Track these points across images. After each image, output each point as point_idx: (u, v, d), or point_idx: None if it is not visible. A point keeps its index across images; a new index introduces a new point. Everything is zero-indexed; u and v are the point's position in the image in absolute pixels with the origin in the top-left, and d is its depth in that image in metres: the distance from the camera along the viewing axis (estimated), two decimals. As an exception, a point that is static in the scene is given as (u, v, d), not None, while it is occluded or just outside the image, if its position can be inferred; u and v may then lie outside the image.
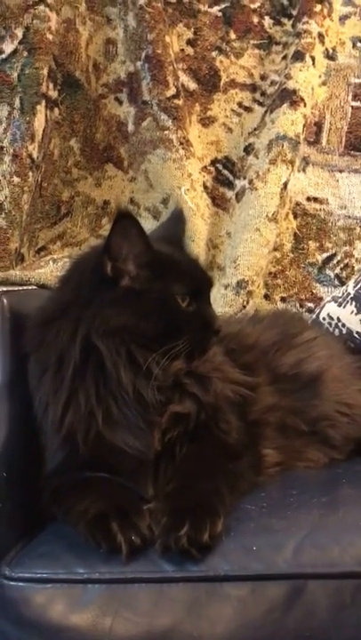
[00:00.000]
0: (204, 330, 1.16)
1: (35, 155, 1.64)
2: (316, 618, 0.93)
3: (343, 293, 1.67)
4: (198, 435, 1.15)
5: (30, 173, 1.63)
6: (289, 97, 1.80)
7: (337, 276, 1.82)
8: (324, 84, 1.87)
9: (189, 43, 1.86)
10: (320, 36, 1.86)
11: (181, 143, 1.77)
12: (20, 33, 1.64)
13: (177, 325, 1.13)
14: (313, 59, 1.83)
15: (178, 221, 1.33)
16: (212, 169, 1.85)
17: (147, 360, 1.10)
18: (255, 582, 0.95)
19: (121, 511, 1.00)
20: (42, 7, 1.65)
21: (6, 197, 1.60)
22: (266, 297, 1.80)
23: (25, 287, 1.40)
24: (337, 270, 1.83)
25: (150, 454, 1.12)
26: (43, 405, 1.14)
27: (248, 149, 1.85)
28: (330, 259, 1.83)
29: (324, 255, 1.83)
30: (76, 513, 1.03)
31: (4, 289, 1.28)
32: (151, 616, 0.93)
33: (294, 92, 1.79)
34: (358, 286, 1.65)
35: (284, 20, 1.89)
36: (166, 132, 1.77)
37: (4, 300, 1.25)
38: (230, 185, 1.85)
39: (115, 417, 1.11)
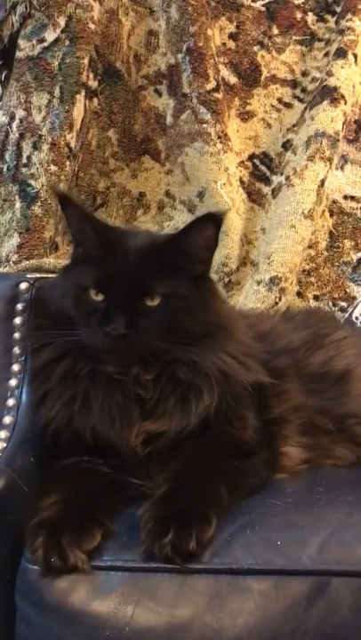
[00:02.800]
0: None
1: (72, 144, 1.64)
2: (338, 615, 0.92)
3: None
4: (210, 429, 1.14)
5: (67, 162, 1.63)
6: (330, 94, 1.78)
7: (371, 275, 1.81)
8: (365, 81, 1.85)
9: (231, 36, 1.85)
10: (363, 33, 1.84)
11: (219, 137, 1.76)
12: (62, 22, 1.63)
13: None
14: (355, 56, 1.81)
15: None
16: (249, 164, 1.84)
17: None
18: (278, 577, 0.94)
19: (58, 525, 0.98)
20: (85, -4, 1.65)
21: (43, 186, 1.60)
22: (299, 294, 1.79)
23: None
24: (371, 270, 1.81)
25: (124, 448, 1.11)
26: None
27: (286, 145, 1.84)
28: (365, 258, 1.82)
29: (360, 254, 1.82)
30: (35, 508, 1.03)
31: (38, 275, 1.30)
32: (172, 606, 0.93)
33: (335, 89, 1.78)
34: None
35: (328, 17, 1.87)
36: (205, 126, 1.76)
37: (37, 287, 1.27)
38: (267, 180, 1.84)
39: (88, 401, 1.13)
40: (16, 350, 1.22)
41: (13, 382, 1.20)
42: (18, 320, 1.24)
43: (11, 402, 1.19)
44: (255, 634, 0.91)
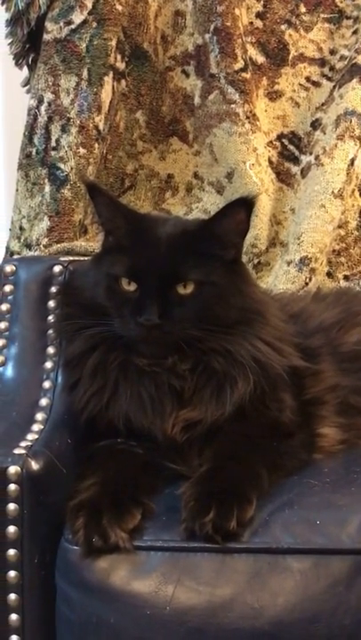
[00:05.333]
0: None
1: (101, 126, 1.64)
2: (379, 594, 0.92)
3: None
4: (248, 412, 1.14)
5: (96, 145, 1.63)
6: (359, 72, 1.75)
7: None
8: (395, 58, 1.83)
9: (258, 16, 1.84)
10: (393, 9, 1.82)
11: (248, 117, 1.75)
12: (89, 3, 1.63)
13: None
14: (385, 33, 1.79)
15: None
16: (277, 144, 1.83)
17: None
18: (318, 556, 0.95)
19: (98, 505, 1.00)
20: (112, -22, 1.65)
21: (72, 169, 1.60)
22: (328, 275, 1.78)
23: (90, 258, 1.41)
24: None
25: (159, 435, 1.12)
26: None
27: (315, 124, 1.82)
28: (394, 237, 1.81)
29: (390, 234, 1.81)
30: (74, 489, 1.04)
31: (71, 258, 1.31)
32: (213, 585, 0.94)
33: (364, 67, 1.76)
34: None
35: (356, -6, 1.85)
36: (233, 106, 1.75)
37: (70, 269, 1.27)
38: (296, 160, 1.83)
39: (118, 390, 1.14)
40: (50, 333, 1.24)
41: (49, 365, 1.22)
42: (52, 303, 1.25)
43: (47, 384, 1.20)
44: (296, 612, 0.92)
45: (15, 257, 1.54)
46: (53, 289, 1.26)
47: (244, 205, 1.17)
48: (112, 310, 1.15)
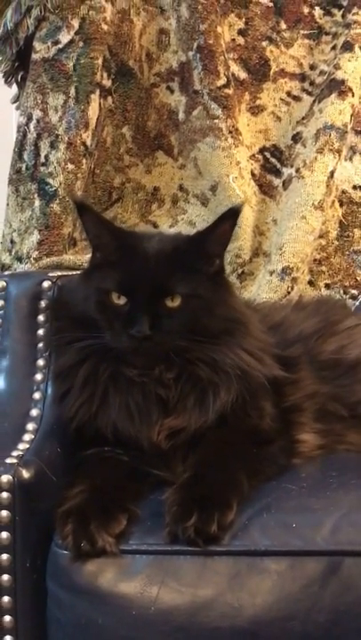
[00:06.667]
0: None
1: (88, 142, 1.68)
2: (351, 593, 0.97)
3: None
4: (229, 419, 1.18)
5: (84, 160, 1.68)
6: (337, 87, 1.81)
7: (381, 264, 1.84)
8: (372, 74, 1.88)
9: (240, 32, 1.89)
10: (370, 26, 1.86)
11: (230, 132, 1.80)
12: (76, 24, 1.67)
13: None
14: (362, 49, 1.84)
15: None
16: (260, 157, 1.88)
17: None
18: (294, 558, 0.99)
19: (86, 512, 1.03)
20: (98, -2, 1.69)
21: (60, 184, 1.64)
22: (310, 283, 1.83)
23: (78, 272, 1.45)
24: (381, 258, 1.85)
25: (145, 442, 1.16)
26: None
27: (296, 138, 1.87)
28: (375, 246, 1.85)
29: (369, 243, 1.85)
30: (62, 497, 1.08)
31: (59, 274, 1.34)
32: (195, 586, 0.97)
33: (343, 82, 1.81)
34: None
35: (335, 11, 1.90)
36: (216, 121, 1.80)
37: (59, 285, 1.31)
38: (278, 173, 1.88)
39: (107, 400, 1.18)
40: (40, 346, 1.26)
41: (39, 376, 1.24)
42: (41, 317, 1.28)
43: (37, 395, 1.23)
44: (273, 611, 0.96)
45: (6, 273, 1.58)
46: (43, 303, 1.29)
47: (233, 217, 1.21)
48: (103, 323, 1.19)
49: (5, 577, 1.06)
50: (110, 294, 1.19)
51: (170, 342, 1.16)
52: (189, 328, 1.17)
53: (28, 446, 1.14)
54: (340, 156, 1.81)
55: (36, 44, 1.69)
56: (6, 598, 1.06)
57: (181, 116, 1.85)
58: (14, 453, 1.11)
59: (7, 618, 1.06)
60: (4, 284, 1.31)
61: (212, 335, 1.18)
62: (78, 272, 1.35)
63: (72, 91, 1.67)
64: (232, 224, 1.22)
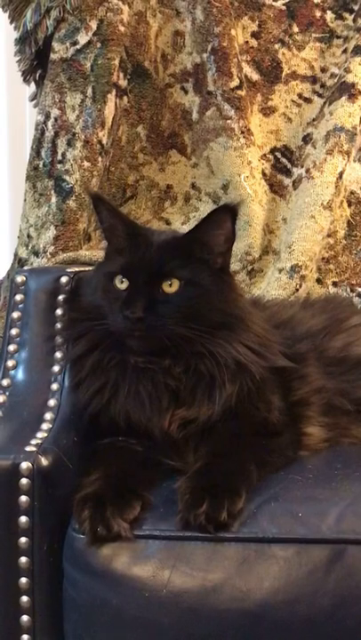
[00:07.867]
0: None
1: (104, 141, 1.72)
2: (354, 579, 1.01)
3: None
4: (239, 412, 1.21)
5: (100, 158, 1.71)
6: (347, 90, 1.84)
7: (388, 262, 1.87)
8: (382, 77, 1.90)
9: (253, 35, 1.92)
10: (381, 30, 1.89)
11: (243, 132, 1.83)
12: (94, 25, 1.71)
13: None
14: (373, 53, 1.87)
15: None
16: (271, 157, 1.91)
17: None
18: (300, 545, 1.03)
19: (102, 498, 1.07)
20: (115, 0, 1.73)
21: (77, 181, 1.68)
22: (318, 281, 1.86)
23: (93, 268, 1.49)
24: (388, 257, 1.87)
25: (157, 431, 1.20)
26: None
27: (306, 139, 1.90)
28: (382, 246, 1.88)
29: (377, 242, 1.88)
30: (79, 484, 1.12)
31: (76, 269, 1.38)
32: (205, 571, 1.01)
33: (353, 85, 1.84)
34: None
35: (346, 15, 1.93)
36: (229, 122, 1.83)
37: (76, 280, 1.35)
38: (288, 173, 1.91)
39: (118, 389, 1.21)
40: (58, 339, 1.31)
41: (56, 368, 1.29)
42: (59, 311, 1.32)
43: (54, 386, 1.27)
44: (280, 595, 1.00)
45: (25, 268, 1.63)
46: (60, 298, 1.33)
47: (229, 213, 1.23)
48: (106, 309, 1.23)
49: (24, 559, 1.10)
50: (114, 278, 1.23)
51: (164, 327, 1.18)
52: (185, 315, 1.19)
53: (46, 435, 1.18)
54: (349, 157, 1.83)
55: (55, 45, 1.72)
56: (24, 580, 1.10)
57: (195, 116, 1.88)
58: (33, 442, 1.15)
59: (24, 598, 1.11)
60: (24, 278, 1.35)
61: (208, 326, 1.20)
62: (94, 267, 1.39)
63: (89, 90, 1.71)
64: (231, 220, 1.24)
